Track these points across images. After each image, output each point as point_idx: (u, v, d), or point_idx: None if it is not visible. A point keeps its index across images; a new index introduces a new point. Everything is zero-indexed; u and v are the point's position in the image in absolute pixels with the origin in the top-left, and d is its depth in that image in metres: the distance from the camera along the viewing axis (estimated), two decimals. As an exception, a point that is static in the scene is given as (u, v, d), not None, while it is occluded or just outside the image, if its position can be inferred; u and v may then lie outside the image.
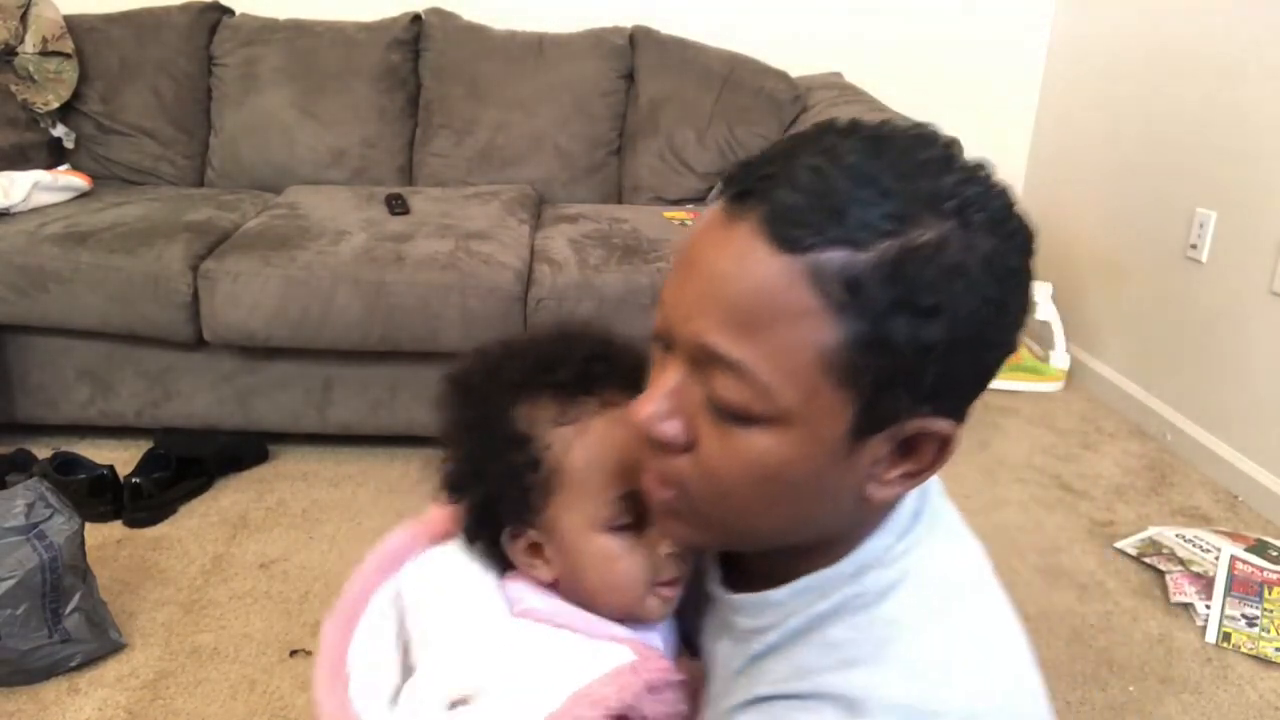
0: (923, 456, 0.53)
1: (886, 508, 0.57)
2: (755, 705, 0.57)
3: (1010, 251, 0.50)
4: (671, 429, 0.54)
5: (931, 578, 0.57)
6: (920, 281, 0.47)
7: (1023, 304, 0.52)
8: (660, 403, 0.54)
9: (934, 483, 0.62)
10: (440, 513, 0.76)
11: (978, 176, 0.51)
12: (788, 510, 0.54)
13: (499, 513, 0.68)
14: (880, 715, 0.51)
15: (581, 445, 0.66)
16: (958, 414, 0.53)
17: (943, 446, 0.53)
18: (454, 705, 0.65)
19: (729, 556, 0.67)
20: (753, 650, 0.60)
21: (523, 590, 0.69)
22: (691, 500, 0.56)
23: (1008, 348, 0.53)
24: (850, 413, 0.50)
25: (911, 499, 0.59)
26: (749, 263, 0.49)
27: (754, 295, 0.49)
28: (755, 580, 0.61)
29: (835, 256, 0.47)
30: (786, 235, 0.48)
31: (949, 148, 0.51)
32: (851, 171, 0.48)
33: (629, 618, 0.68)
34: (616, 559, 0.67)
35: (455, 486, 0.71)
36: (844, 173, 0.48)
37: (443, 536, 0.75)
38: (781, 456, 0.51)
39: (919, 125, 0.53)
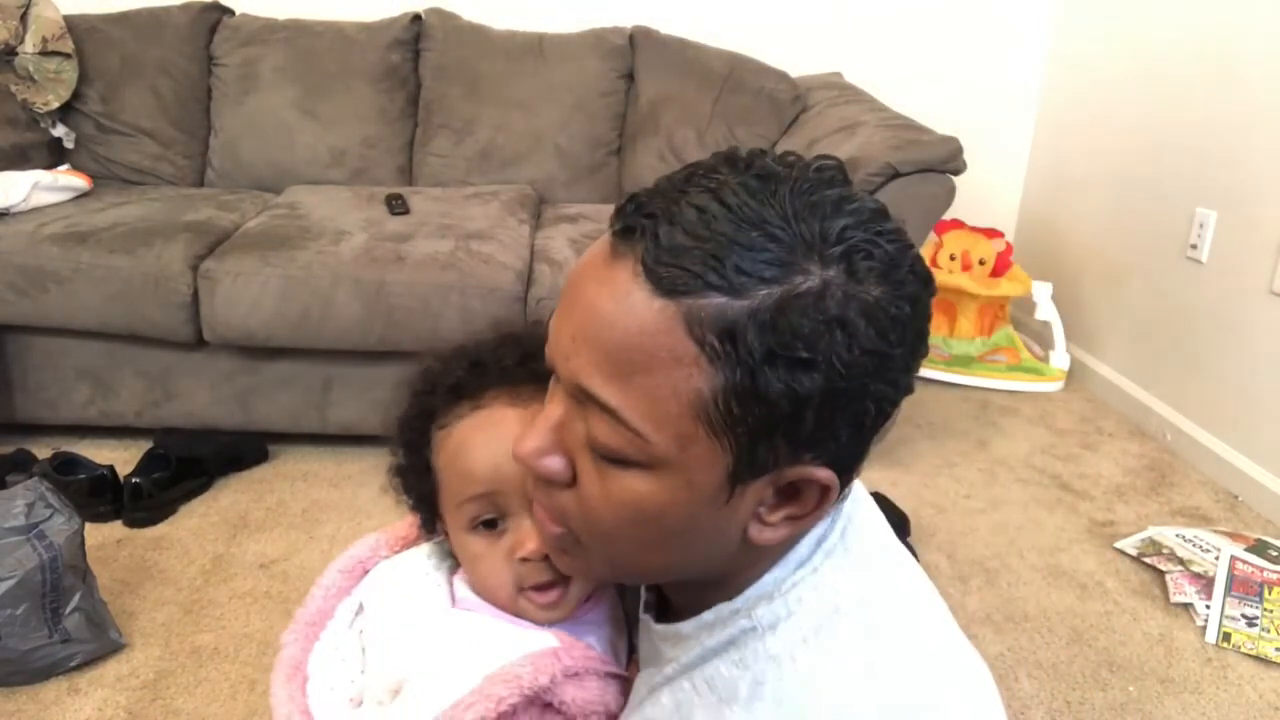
0: (805, 502, 0.52)
1: (782, 545, 0.56)
2: None
3: (898, 300, 0.48)
4: (552, 465, 0.54)
5: (819, 608, 0.55)
6: (798, 332, 0.46)
7: (911, 353, 0.50)
8: (542, 437, 0.53)
9: (858, 507, 0.60)
10: (406, 522, 0.79)
11: (871, 221, 0.49)
12: (669, 551, 0.54)
13: (430, 509, 0.73)
14: None
15: (445, 447, 0.69)
16: (840, 460, 0.51)
17: (824, 494, 0.52)
18: (394, 695, 0.68)
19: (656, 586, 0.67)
20: (652, 681, 0.60)
21: (464, 584, 0.72)
22: (576, 536, 0.55)
23: (894, 397, 0.50)
24: (727, 460, 0.49)
25: (819, 528, 0.57)
26: (626, 305, 0.47)
27: (630, 339, 0.47)
28: (675, 610, 0.62)
29: (712, 303, 0.46)
30: (665, 279, 0.46)
31: (846, 188, 0.50)
32: (736, 213, 0.47)
33: (519, 617, 0.70)
34: (480, 559, 0.69)
35: (397, 484, 0.75)
36: (729, 213, 0.47)
37: (406, 544, 0.78)
38: (657, 501, 0.51)
39: (822, 160, 0.51)
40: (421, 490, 0.73)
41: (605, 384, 0.49)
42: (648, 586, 0.68)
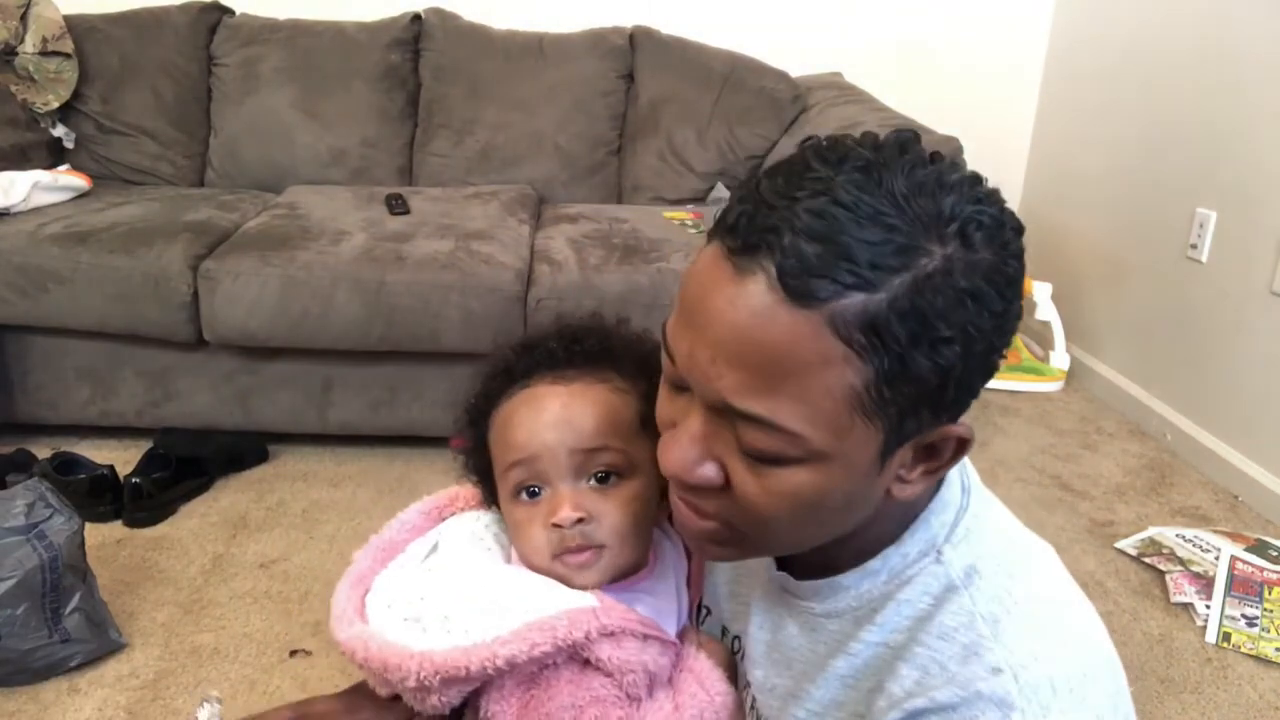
0: (942, 454, 0.56)
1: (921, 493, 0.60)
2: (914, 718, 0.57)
3: (1008, 260, 0.51)
4: (707, 473, 0.55)
5: (994, 542, 0.60)
6: (936, 312, 0.48)
7: (1020, 302, 0.54)
8: (691, 449, 0.55)
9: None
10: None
11: (971, 191, 0.51)
12: (825, 525, 0.57)
13: (489, 484, 0.79)
14: (1030, 698, 0.53)
15: (496, 424, 0.76)
16: (967, 409, 0.56)
17: (961, 445, 0.56)
18: (443, 621, 0.73)
19: None
20: (849, 649, 0.61)
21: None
22: (733, 528, 0.58)
23: (1010, 341, 0.54)
24: (879, 439, 0.52)
25: (955, 472, 0.62)
26: (767, 320, 0.48)
27: (776, 351, 0.49)
28: (807, 564, 0.64)
29: (853, 303, 0.47)
30: (803, 289, 0.48)
31: (936, 161, 0.52)
32: (854, 210, 0.48)
33: (556, 580, 0.74)
34: (521, 526, 0.75)
35: (463, 462, 0.82)
36: (847, 212, 0.48)
37: (481, 503, 0.86)
38: (818, 487, 0.53)
39: (900, 136, 0.52)
40: (481, 466, 0.79)
41: (758, 399, 0.50)
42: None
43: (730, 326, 0.50)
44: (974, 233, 0.49)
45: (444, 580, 0.77)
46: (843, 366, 0.49)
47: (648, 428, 0.68)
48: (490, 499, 0.81)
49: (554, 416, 0.72)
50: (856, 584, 0.61)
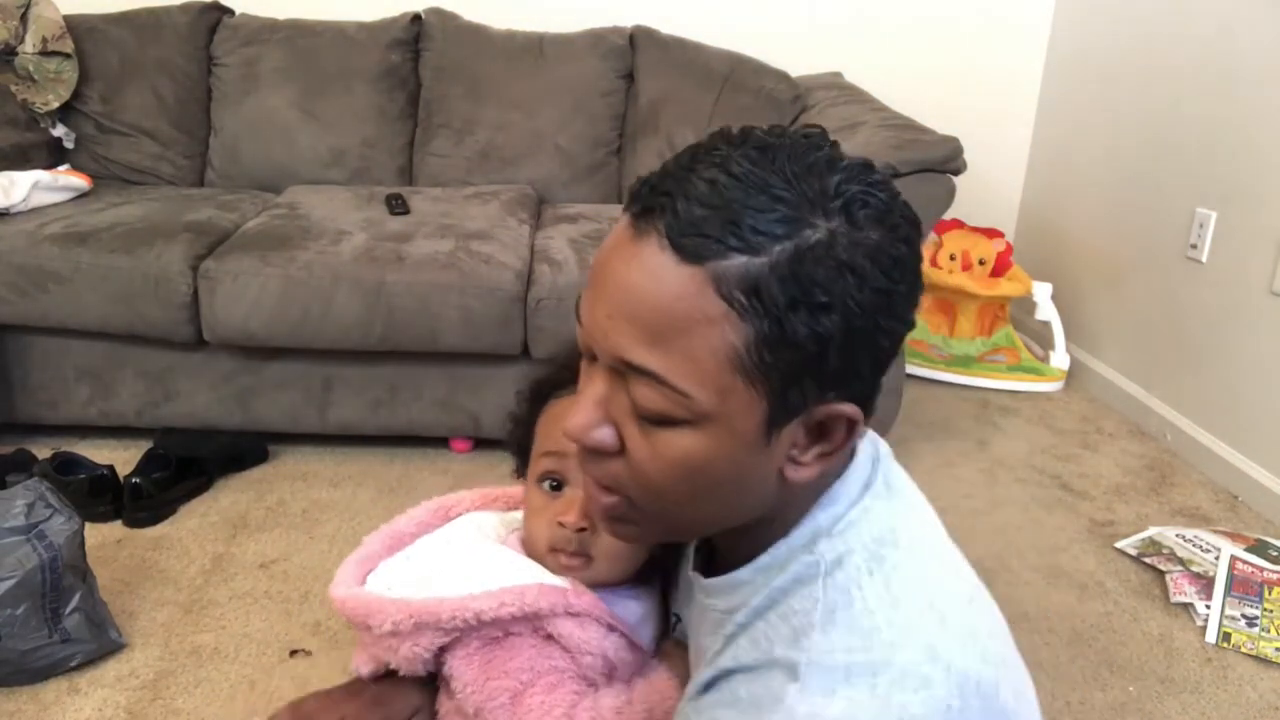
0: (834, 438, 0.58)
1: (814, 485, 0.61)
2: (716, 682, 0.60)
3: (895, 241, 0.54)
4: (602, 436, 0.58)
5: (875, 542, 0.60)
6: (814, 280, 0.51)
7: (911, 288, 0.56)
8: (590, 413, 0.57)
9: (885, 451, 0.66)
10: (497, 488, 0.95)
11: (861, 174, 0.54)
12: (717, 500, 0.58)
13: (524, 458, 0.86)
14: (818, 677, 0.54)
15: (546, 414, 0.83)
16: (862, 395, 0.57)
17: (850, 427, 0.57)
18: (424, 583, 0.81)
19: (704, 545, 0.72)
20: (725, 631, 0.63)
21: (518, 542, 0.85)
22: (630, 501, 0.60)
23: (902, 330, 0.56)
24: (763, 406, 0.54)
25: (862, 470, 0.63)
26: (657, 276, 0.52)
27: (664, 306, 0.52)
28: (724, 565, 0.66)
29: (735, 264, 0.51)
30: (689, 248, 0.51)
31: (834, 149, 0.55)
32: (744, 181, 0.51)
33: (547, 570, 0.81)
34: (536, 511, 0.82)
35: (508, 429, 0.90)
36: (737, 183, 0.51)
37: (486, 502, 0.93)
38: (705, 453, 0.55)
39: (807, 129, 0.57)
40: (523, 442, 0.86)
41: (647, 353, 0.53)
42: (696, 549, 0.73)
43: (625, 283, 0.53)
44: (859, 211, 0.52)
45: (438, 555, 0.84)
46: (724, 325, 0.51)
47: None
48: (520, 471, 0.88)
49: None
50: (751, 578, 0.63)
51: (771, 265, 0.51)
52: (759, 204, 0.51)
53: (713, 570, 0.67)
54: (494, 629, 0.76)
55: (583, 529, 0.78)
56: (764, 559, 0.62)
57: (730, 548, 0.65)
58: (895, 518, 0.62)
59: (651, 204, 0.53)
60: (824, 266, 0.51)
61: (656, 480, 0.57)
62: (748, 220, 0.50)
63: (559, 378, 0.84)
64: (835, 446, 0.58)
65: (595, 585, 0.80)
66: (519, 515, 0.88)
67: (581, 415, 0.58)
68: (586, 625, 0.77)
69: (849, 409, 0.56)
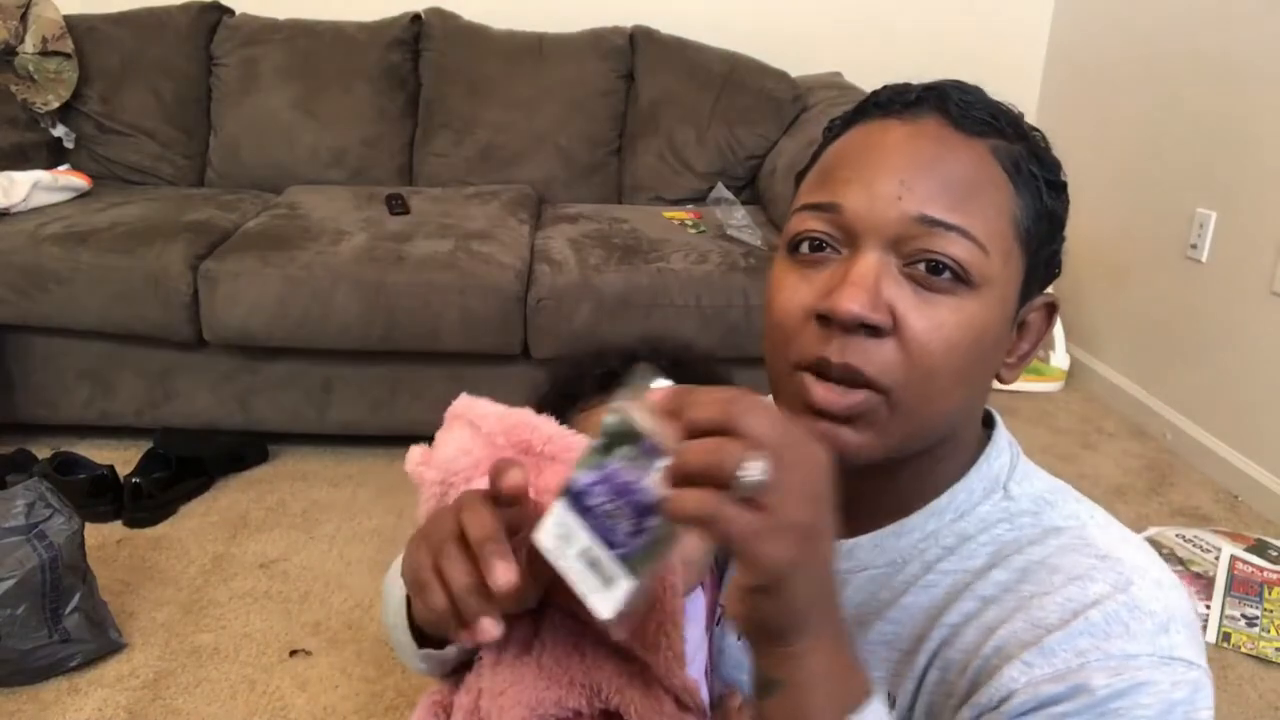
0: (1032, 333, 0.64)
1: (974, 426, 0.67)
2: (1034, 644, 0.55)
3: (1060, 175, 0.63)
4: (881, 312, 0.56)
5: (1046, 482, 0.65)
6: (1052, 165, 0.61)
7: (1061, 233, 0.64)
8: (865, 292, 0.55)
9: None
10: None
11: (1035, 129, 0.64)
12: (972, 384, 0.61)
13: None
14: (1146, 573, 0.57)
15: (576, 422, 0.75)
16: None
17: (1049, 314, 0.64)
18: None
19: None
20: (899, 580, 0.63)
21: None
22: (894, 395, 0.57)
23: (1058, 256, 0.64)
24: (1021, 279, 0.60)
25: (1003, 427, 0.68)
26: (949, 145, 0.58)
27: (961, 170, 0.57)
28: (875, 514, 0.65)
29: (1003, 143, 0.59)
30: (970, 123, 0.59)
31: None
32: (986, 99, 0.62)
33: None
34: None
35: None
36: (981, 97, 0.62)
37: None
38: (983, 319, 0.57)
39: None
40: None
41: (949, 210, 0.56)
42: None
43: (918, 154, 0.58)
44: (1041, 150, 0.63)
45: None
46: (1006, 190, 0.58)
47: None
48: None
49: None
50: (923, 524, 0.63)
51: (1026, 149, 0.60)
52: (1003, 111, 0.61)
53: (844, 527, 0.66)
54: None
55: None
56: (940, 502, 0.63)
57: (894, 491, 0.64)
58: (1036, 468, 0.67)
59: (917, 100, 0.60)
60: (1051, 158, 0.62)
61: (934, 354, 0.56)
62: (1003, 116, 0.61)
63: (579, 388, 0.78)
64: (1033, 342, 0.64)
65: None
66: None
67: (859, 293, 0.55)
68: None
69: (1051, 295, 0.64)
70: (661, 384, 0.51)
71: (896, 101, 0.61)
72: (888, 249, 0.57)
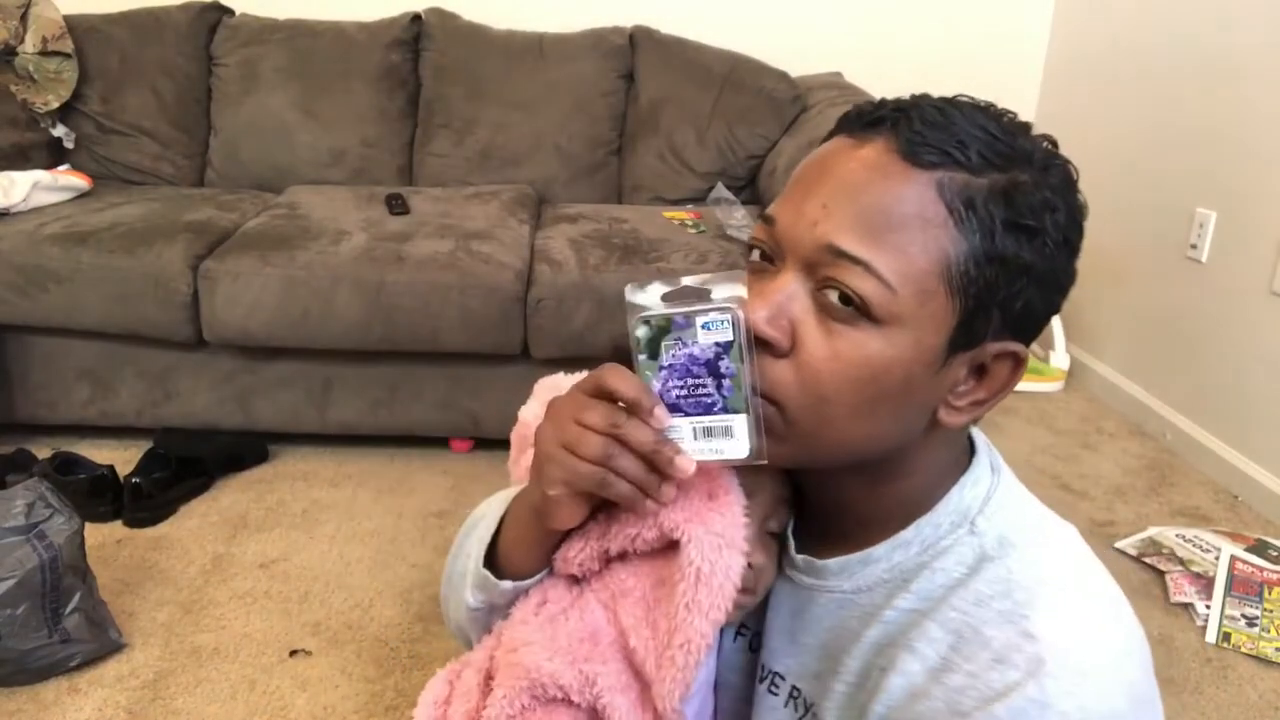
0: (993, 381, 0.60)
1: (943, 455, 0.63)
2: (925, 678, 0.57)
3: (1076, 209, 0.58)
4: (779, 329, 0.57)
5: (1025, 519, 0.63)
6: (1028, 205, 0.56)
7: (1077, 255, 0.59)
8: (771, 307, 0.57)
9: (985, 439, 0.68)
10: None
11: (1054, 150, 0.60)
12: (874, 419, 0.58)
13: None
14: (1067, 664, 0.53)
15: None
16: (1025, 343, 0.60)
17: (1015, 370, 0.59)
18: None
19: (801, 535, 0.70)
20: (861, 606, 0.63)
21: None
22: (786, 411, 0.58)
23: (1068, 290, 0.60)
24: (951, 324, 0.56)
25: (985, 455, 0.65)
26: (885, 174, 0.56)
27: (888, 202, 0.55)
28: (840, 540, 0.65)
29: (957, 176, 0.55)
30: (919, 154, 0.55)
31: (1029, 125, 0.61)
32: (970, 118, 0.57)
33: None
34: None
35: None
36: (962, 115, 0.57)
37: None
38: (883, 359, 0.56)
39: (988, 103, 0.62)
40: None
41: (859, 241, 0.55)
42: (795, 531, 0.71)
43: (849, 177, 0.56)
44: (1053, 176, 0.57)
45: None
46: (941, 230, 0.55)
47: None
48: None
49: None
50: (888, 555, 0.63)
51: (990, 186, 0.55)
52: (982, 137, 0.56)
53: (808, 549, 0.67)
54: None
55: None
56: (906, 534, 0.62)
57: (854, 517, 0.64)
58: (1025, 496, 0.65)
59: (882, 117, 0.58)
60: (1034, 197, 0.56)
61: (826, 383, 0.56)
62: (972, 145, 0.55)
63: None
64: (992, 393, 0.60)
65: None
66: None
67: (763, 305, 0.57)
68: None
69: (1018, 346, 0.59)
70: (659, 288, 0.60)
71: (862, 119, 0.59)
72: (804, 271, 0.57)
